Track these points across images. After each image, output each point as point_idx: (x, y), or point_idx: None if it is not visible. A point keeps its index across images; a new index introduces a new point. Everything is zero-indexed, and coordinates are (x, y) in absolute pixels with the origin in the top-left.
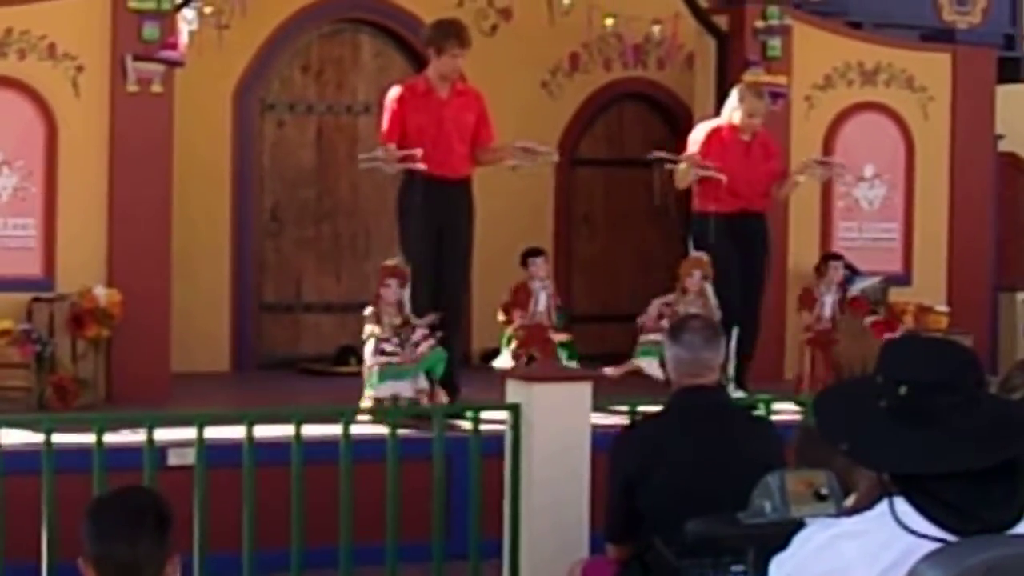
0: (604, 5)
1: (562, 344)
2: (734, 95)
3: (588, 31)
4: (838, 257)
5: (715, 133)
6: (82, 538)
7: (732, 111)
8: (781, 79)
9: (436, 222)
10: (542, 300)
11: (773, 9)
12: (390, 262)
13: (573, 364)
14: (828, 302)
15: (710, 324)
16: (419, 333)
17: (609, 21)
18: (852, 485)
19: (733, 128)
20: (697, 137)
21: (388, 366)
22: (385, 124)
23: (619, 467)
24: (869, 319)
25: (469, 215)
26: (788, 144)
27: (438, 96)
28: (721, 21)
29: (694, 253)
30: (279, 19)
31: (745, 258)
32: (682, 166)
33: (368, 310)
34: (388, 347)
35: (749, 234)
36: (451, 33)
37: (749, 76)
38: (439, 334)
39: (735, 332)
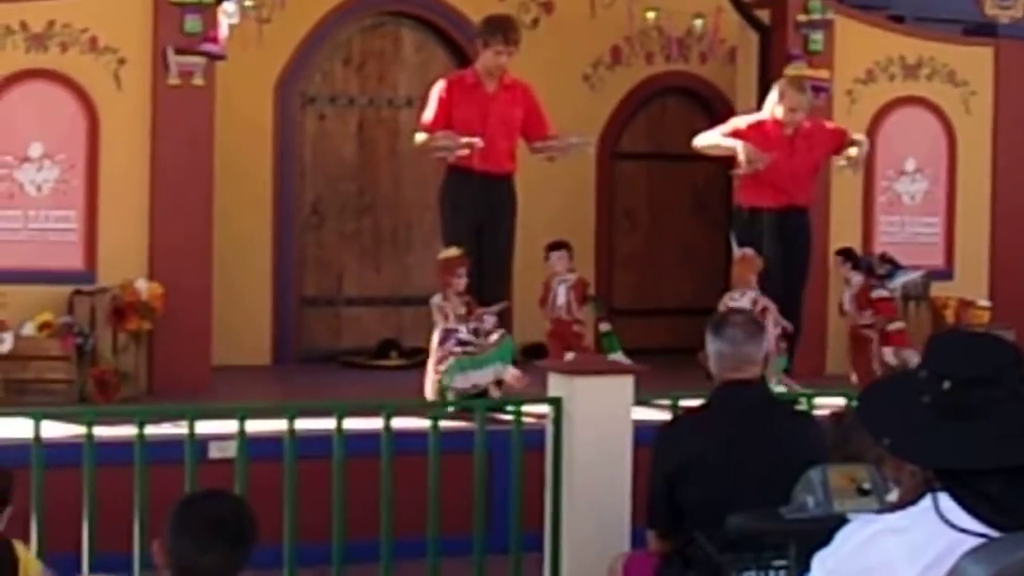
0: None
1: (604, 334)
2: (775, 90)
3: (630, 24)
4: (845, 252)
5: (759, 126)
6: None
7: (774, 106)
8: (823, 73)
9: (478, 217)
10: (560, 295)
11: (815, 3)
12: (453, 253)
13: (618, 356)
14: (846, 299)
15: (752, 319)
16: (489, 322)
17: (651, 14)
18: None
19: (777, 123)
20: (739, 124)
21: (466, 356)
22: (430, 113)
23: (661, 461)
24: (893, 325)
25: (511, 210)
26: None
27: (485, 90)
28: (763, 15)
29: (745, 251)
30: (320, 12)
31: (787, 254)
32: (740, 151)
33: (436, 300)
34: (463, 336)
35: (792, 229)
36: (498, 29)
37: (791, 70)
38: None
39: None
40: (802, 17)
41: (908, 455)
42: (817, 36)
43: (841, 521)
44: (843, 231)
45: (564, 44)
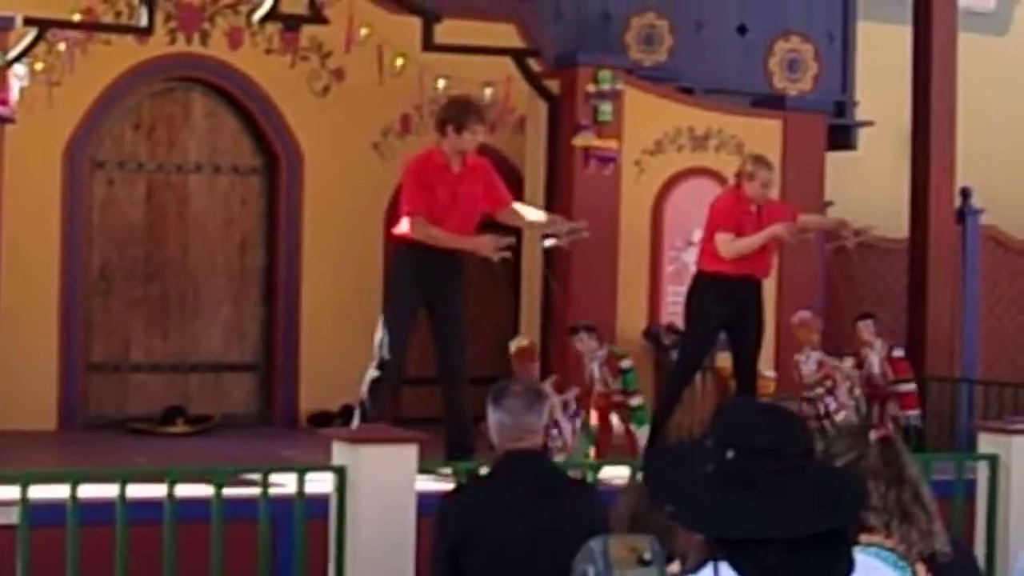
0: (436, 67)
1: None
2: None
3: (420, 93)
4: (866, 317)
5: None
6: None
7: (744, 183)
8: (612, 143)
9: (426, 292)
10: (595, 370)
11: (605, 73)
12: None
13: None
14: (875, 361)
15: (532, 388)
16: None
17: (441, 82)
18: (681, 548)
19: (746, 199)
20: (728, 209)
21: None
22: (412, 196)
23: (444, 531)
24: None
25: (460, 282)
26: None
27: (452, 171)
28: (553, 85)
29: (802, 314)
30: (111, 76)
31: (740, 321)
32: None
33: None
34: None
35: (743, 296)
36: (472, 110)
37: (579, 140)
38: None
39: None
40: (591, 88)
41: (690, 523)
42: (606, 107)
43: None
44: None
45: (354, 111)
